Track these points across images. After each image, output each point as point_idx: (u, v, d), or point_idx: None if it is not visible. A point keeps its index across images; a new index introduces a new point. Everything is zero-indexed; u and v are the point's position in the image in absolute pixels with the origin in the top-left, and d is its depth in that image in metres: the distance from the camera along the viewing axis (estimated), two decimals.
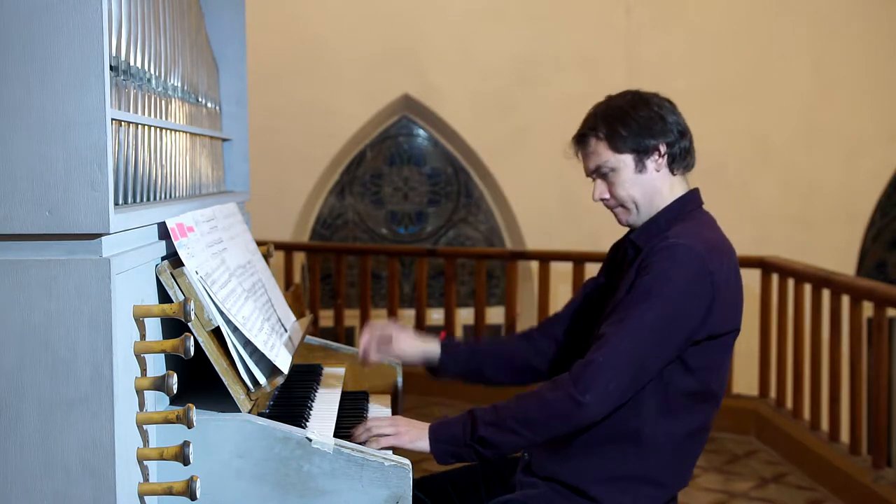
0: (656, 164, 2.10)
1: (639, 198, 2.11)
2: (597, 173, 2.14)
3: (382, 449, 2.05)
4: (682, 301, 1.98)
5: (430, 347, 2.38)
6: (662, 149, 2.09)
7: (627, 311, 1.99)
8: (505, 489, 2.23)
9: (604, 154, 2.10)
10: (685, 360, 2.03)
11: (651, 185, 2.10)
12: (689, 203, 2.14)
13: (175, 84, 2.14)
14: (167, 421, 1.61)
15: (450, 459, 2.05)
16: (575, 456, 2.07)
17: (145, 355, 1.66)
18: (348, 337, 6.73)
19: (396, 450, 2.04)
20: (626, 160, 2.09)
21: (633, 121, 2.08)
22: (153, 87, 1.95)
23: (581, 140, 2.15)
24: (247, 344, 1.86)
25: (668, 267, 1.98)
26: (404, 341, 2.36)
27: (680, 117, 2.14)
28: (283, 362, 1.97)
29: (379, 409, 2.40)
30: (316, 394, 2.32)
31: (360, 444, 2.02)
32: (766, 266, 5.27)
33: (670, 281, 1.97)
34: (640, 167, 2.10)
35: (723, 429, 5.18)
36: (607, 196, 2.14)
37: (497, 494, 2.23)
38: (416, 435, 2.06)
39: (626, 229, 2.20)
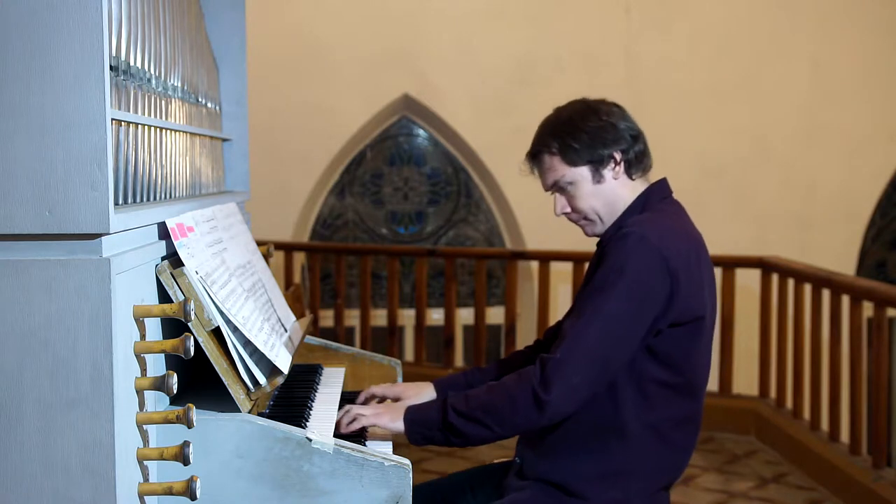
0: (613, 173, 2.10)
1: (600, 208, 2.11)
2: (555, 188, 2.14)
3: (361, 428, 2.09)
4: (637, 289, 1.97)
5: (428, 392, 2.34)
6: (618, 156, 2.09)
7: (584, 304, 2.00)
8: (496, 495, 2.22)
9: (560, 169, 2.10)
10: (653, 349, 2.02)
11: (612, 194, 2.11)
12: (653, 195, 2.13)
13: (175, 84, 2.14)
14: (167, 421, 1.61)
15: (421, 441, 2.07)
16: (562, 455, 2.07)
17: (145, 355, 1.66)
18: (348, 337, 6.73)
19: (382, 436, 2.11)
20: (583, 172, 2.09)
21: (583, 133, 2.08)
22: (153, 87, 1.95)
23: (535, 157, 2.15)
24: (247, 344, 1.86)
25: (620, 256, 1.98)
26: (413, 399, 2.30)
27: (631, 122, 2.13)
28: (283, 362, 1.97)
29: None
30: (316, 394, 2.32)
31: (343, 433, 2.05)
32: (766, 266, 5.25)
33: (623, 270, 1.97)
34: (598, 178, 2.10)
35: (723, 429, 5.18)
36: (569, 210, 2.14)
37: (488, 500, 2.23)
38: (393, 416, 2.08)
39: None
